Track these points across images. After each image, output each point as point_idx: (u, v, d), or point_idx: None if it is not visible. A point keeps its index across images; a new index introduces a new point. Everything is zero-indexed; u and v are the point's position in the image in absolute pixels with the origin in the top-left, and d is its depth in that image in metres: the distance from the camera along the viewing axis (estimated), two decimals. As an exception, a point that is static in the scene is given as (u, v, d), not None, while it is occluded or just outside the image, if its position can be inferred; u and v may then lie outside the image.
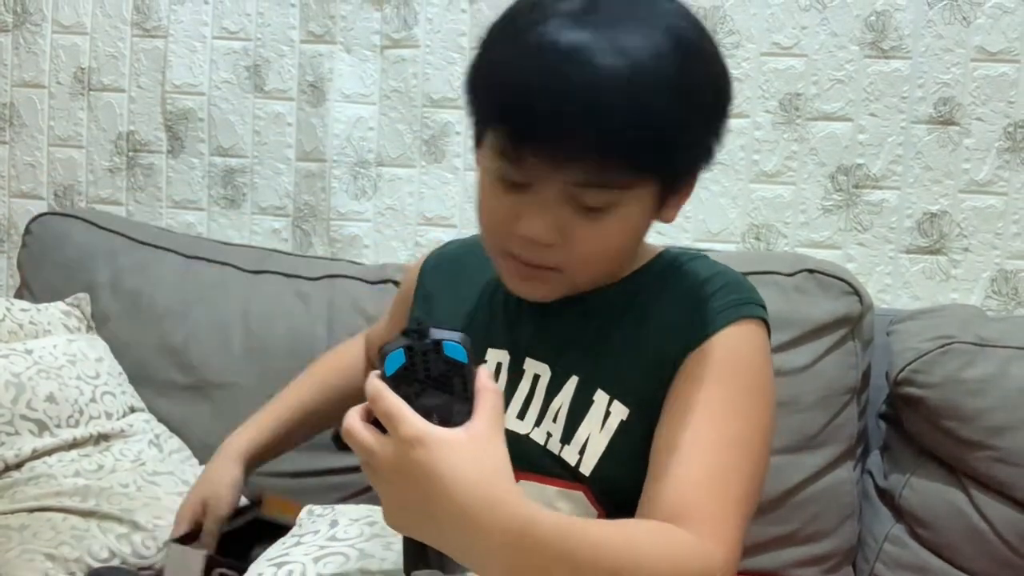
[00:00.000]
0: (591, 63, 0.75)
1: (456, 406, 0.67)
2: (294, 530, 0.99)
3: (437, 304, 1.05)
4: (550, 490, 0.90)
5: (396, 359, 0.67)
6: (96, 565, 1.24)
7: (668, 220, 0.89)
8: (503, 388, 0.92)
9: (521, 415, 0.92)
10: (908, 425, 1.44)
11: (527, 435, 0.92)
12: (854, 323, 1.47)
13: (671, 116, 0.78)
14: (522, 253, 0.85)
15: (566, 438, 0.90)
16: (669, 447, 0.83)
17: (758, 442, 0.85)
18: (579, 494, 0.90)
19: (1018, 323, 1.48)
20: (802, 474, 1.42)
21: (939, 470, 1.40)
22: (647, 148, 0.78)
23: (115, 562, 1.26)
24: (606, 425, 0.89)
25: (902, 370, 1.39)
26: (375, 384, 0.67)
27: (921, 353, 1.39)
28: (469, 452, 0.64)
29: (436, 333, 0.67)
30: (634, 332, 0.91)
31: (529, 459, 0.90)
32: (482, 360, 0.69)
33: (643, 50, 0.76)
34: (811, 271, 1.47)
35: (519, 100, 0.78)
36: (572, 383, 0.91)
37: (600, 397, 0.90)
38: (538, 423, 0.92)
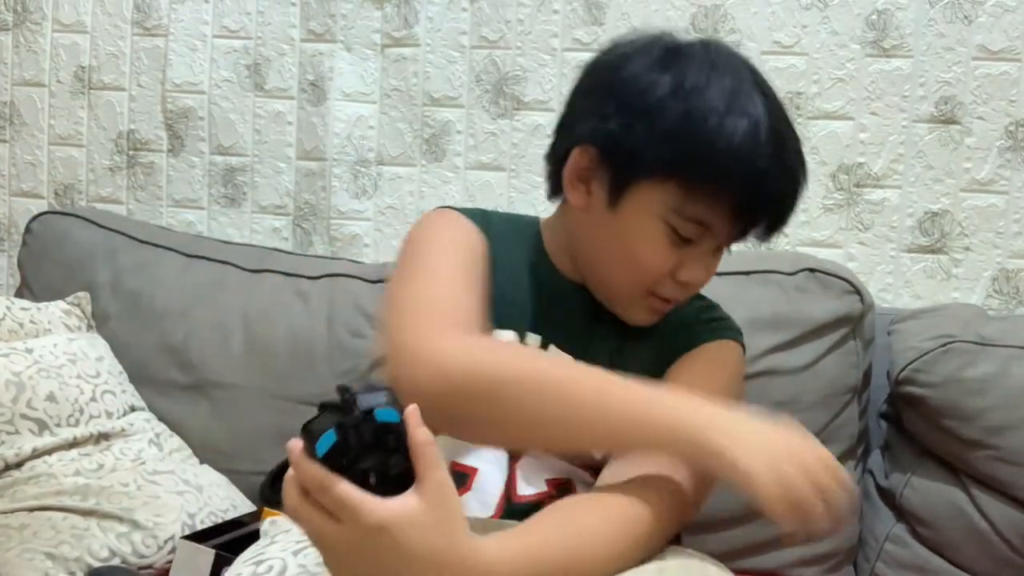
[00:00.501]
0: (797, 151, 0.94)
1: (391, 460, 0.67)
2: (262, 538, 0.99)
3: (494, 275, 1.03)
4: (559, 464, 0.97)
5: (328, 439, 0.66)
6: (96, 564, 1.24)
7: None
8: None
9: None
10: (909, 424, 1.44)
11: None
12: (855, 322, 1.47)
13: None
14: (673, 295, 0.98)
15: None
16: None
17: None
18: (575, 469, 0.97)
19: (1019, 322, 1.48)
20: (803, 473, 1.42)
21: (940, 469, 1.40)
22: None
23: (115, 561, 1.26)
24: None
25: (903, 369, 1.39)
26: (314, 471, 0.67)
27: (922, 352, 1.38)
28: (430, 519, 0.67)
29: (364, 401, 0.66)
30: (647, 339, 1.03)
31: None
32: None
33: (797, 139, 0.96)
34: (812, 270, 1.47)
35: (750, 181, 0.90)
36: None
37: None
38: None
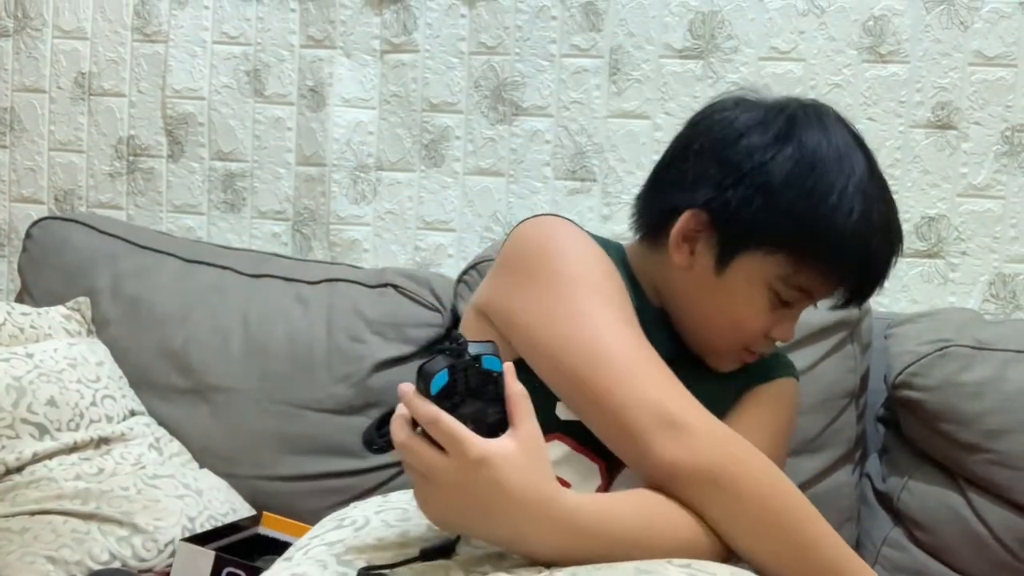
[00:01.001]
0: (899, 227, 0.99)
1: (489, 408, 0.75)
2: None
3: None
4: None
5: (440, 379, 0.73)
6: (96, 568, 1.24)
7: None
8: None
9: None
10: (906, 428, 1.44)
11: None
12: (853, 327, 1.47)
13: None
14: (764, 350, 1.02)
15: None
16: None
17: (775, 455, 0.99)
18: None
19: (1015, 326, 1.48)
20: (801, 477, 1.42)
21: (937, 473, 1.41)
22: None
23: (115, 564, 1.27)
24: None
25: (900, 373, 1.40)
26: (426, 407, 0.73)
27: (919, 356, 1.39)
28: (524, 460, 0.74)
29: (473, 348, 0.75)
30: (725, 381, 1.06)
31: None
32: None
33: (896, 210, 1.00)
34: (809, 275, 1.48)
35: (863, 261, 0.96)
36: None
37: None
38: None
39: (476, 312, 1.00)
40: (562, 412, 0.94)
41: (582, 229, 0.99)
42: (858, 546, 1.47)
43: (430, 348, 0.76)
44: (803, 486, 1.43)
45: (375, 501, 0.94)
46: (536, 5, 1.77)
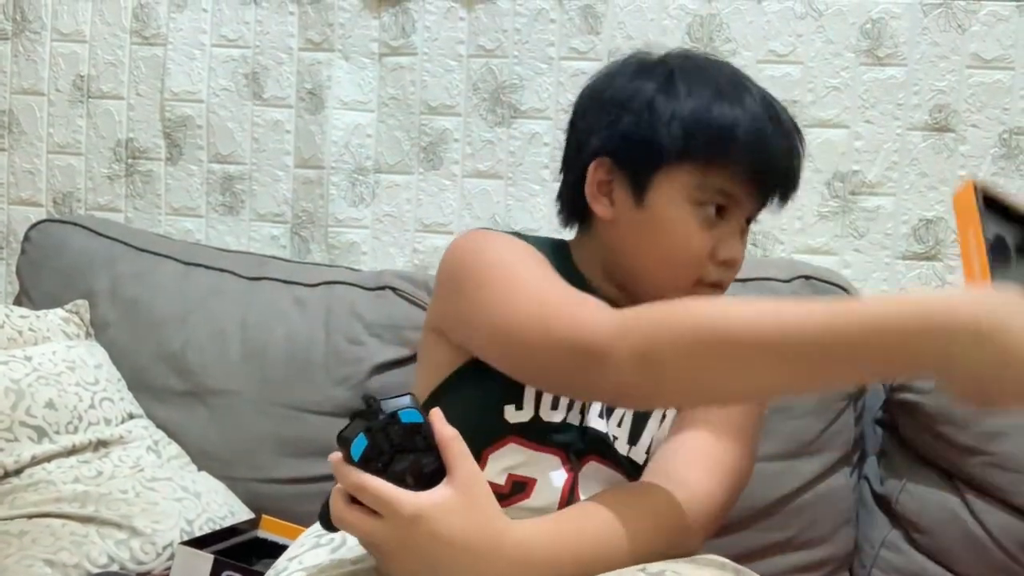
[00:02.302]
0: (789, 115, 0.99)
1: (423, 459, 0.74)
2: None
3: None
4: (617, 477, 0.98)
5: (360, 444, 0.73)
6: (95, 571, 1.24)
7: None
8: None
9: (601, 415, 0.99)
10: (904, 431, 1.44)
11: (607, 434, 0.99)
12: (850, 329, 1.47)
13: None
14: (719, 277, 0.98)
15: (632, 440, 0.99)
16: (678, 431, 0.98)
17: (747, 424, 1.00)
18: None
19: (1013, 329, 1.48)
20: (799, 480, 1.43)
21: (935, 476, 1.41)
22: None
23: (114, 568, 1.27)
24: (663, 426, 1.00)
25: (898, 376, 1.40)
26: (352, 475, 0.73)
27: (917, 359, 1.39)
28: (461, 505, 0.73)
29: (388, 405, 0.73)
30: None
31: (612, 455, 0.98)
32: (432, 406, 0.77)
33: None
34: (807, 277, 1.48)
35: (757, 143, 0.95)
36: None
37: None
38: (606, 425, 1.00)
39: (431, 332, 1.02)
40: (511, 415, 0.94)
41: (514, 234, 1.02)
42: (857, 548, 1.47)
43: (352, 415, 0.75)
44: (801, 489, 1.43)
45: None
46: (535, 8, 1.77)
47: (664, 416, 1.01)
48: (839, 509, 1.45)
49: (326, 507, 0.78)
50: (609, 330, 0.79)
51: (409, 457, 0.73)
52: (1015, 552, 1.33)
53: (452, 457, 0.74)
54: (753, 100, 0.96)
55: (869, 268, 1.68)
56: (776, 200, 1.00)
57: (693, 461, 0.93)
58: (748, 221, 1.01)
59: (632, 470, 0.99)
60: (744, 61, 1.70)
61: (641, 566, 0.78)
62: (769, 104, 0.97)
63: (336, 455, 0.74)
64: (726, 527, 1.37)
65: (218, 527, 1.39)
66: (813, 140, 1.68)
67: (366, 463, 0.72)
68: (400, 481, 0.72)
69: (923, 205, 1.66)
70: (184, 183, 1.92)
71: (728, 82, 0.97)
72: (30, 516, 1.29)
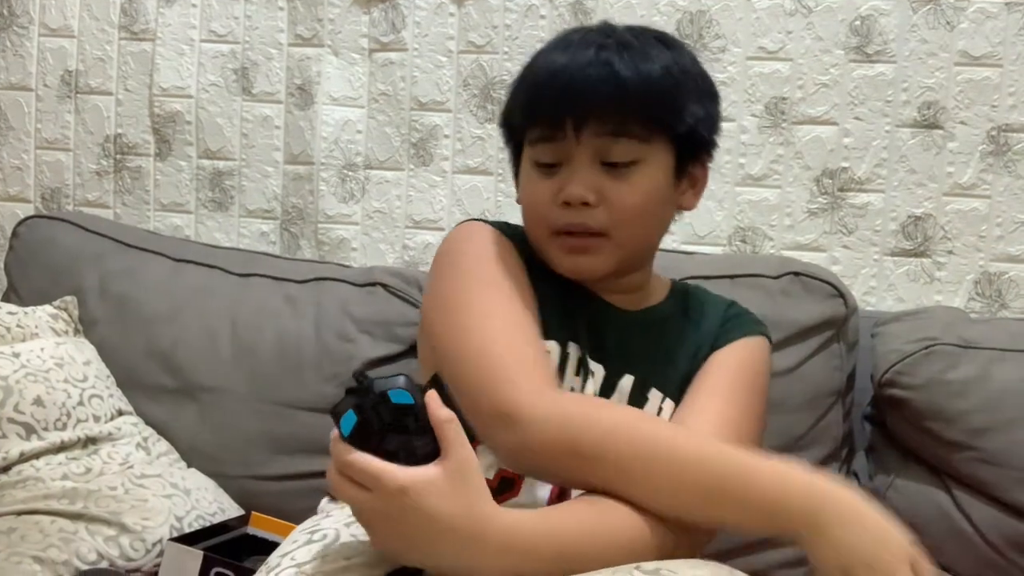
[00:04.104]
0: (624, 47, 0.97)
1: (416, 441, 0.74)
2: (318, 514, 1.05)
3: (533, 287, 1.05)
4: None
5: (349, 419, 0.73)
6: (84, 568, 1.24)
7: (688, 207, 1.06)
8: (570, 380, 1.00)
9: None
10: (892, 427, 1.45)
11: None
12: (839, 325, 1.48)
13: (669, 81, 0.96)
14: (571, 220, 0.97)
15: None
16: (678, 421, 0.98)
17: (747, 427, 0.99)
18: None
19: (1001, 325, 1.49)
20: (788, 475, 1.43)
21: (923, 471, 1.41)
22: (654, 103, 0.96)
23: (103, 564, 1.26)
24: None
25: (886, 372, 1.40)
26: (341, 451, 0.75)
27: (905, 355, 1.40)
28: (449, 486, 0.74)
29: (379, 384, 0.73)
30: (672, 342, 1.05)
31: None
32: (430, 387, 0.77)
33: (647, 46, 0.98)
34: (797, 274, 1.48)
35: (552, 77, 0.96)
36: (628, 381, 1.01)
37: (654, 395, 1.02)
38: None
39: (422, 325, 1.06)
40: None
41: (497, 227, 1.04)
42: (845, 544, 1.47)
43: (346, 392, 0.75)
44: (790, 484, 1.43)
45: (345, 513, 0.94)
46: (524, 4, 1.77)
47: (660, 411, 1.01)
48: (828, 504, 1.45)
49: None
50: (535, 413, 0.84)
51: (400, 437, 0.73)
52: (1002, 546, 1.34)
53: (445, 440, 0.75)
54: (586, 51, 0.96)
55: (858, 264, 1.69)
56: (610, 132, 0.96)
57: None
58: (616, 165, 0.97)
59: None
60: (733, 57, 1.70)
61: (636, 564, 0.79)
62: (588, 40, 0.98)
63: (334, 431, 0.75)
64: (715, 523, 1.38)
65: (208, 524, 1.39)
66: (802, 137, 1.69)
67: (358, 440, 0.73)
68: (392, 459, 0.73)
69: (912, 202, 1.67)
70: (173, 179, 1.92)
71: (568, 40, 1.00)
72: (19, 513, 1.29)
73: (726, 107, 1.70)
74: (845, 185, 1.68)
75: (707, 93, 1.03)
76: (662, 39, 1.01)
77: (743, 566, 1.42)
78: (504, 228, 1.06)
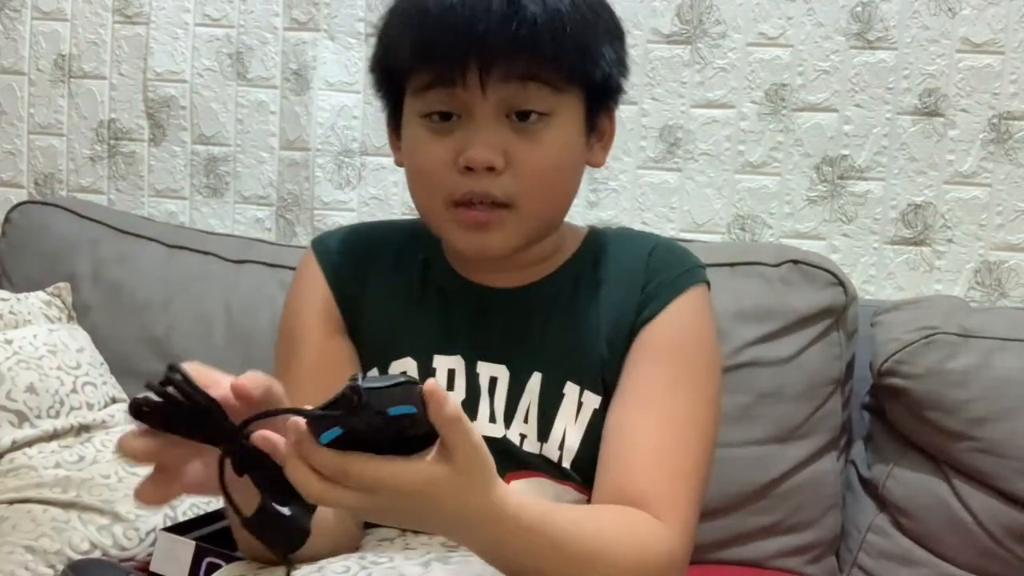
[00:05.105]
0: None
1: (410, 436, 0.64)
2: None
3: (363, 309, 0.96)
4: (546, 483, 0.91)
5: (332, 434, 0.61)
6: (77, 557, 1.23)
7: (597, 164, 0.95)
8: (461, 396, 0.92)
9: (492, 419, 0.91)
10: (891, 416, 1.44)
11: (504, 437, 0.91)
12: (838, 314, 1.47)
13: (580, 19, 0.84)
14: (473, 188, 0.85)
15: (543, 436, 0.91)
16: (619, 428, 0.87)
17: (704, 413, 0.89)
18: (567, 488, 0.91)
19: (1001, 314, 1.49)
20: (786, 465, 1.42)
21: (922, 460, 1.41)
22: (569, 44, 0.83)
23: (96, 554, 1.26)
24: (580, 416, 0.91)
25: (886, 361, 1.40)
26: (327, 458, 0.61)
27: (904, 344, 1.39)
28: (462, 484, 0.65)
29: (377, 401, 0.60)
30: (584, 318, 0.92)
31: (517, 459, 0.90)
32: (427, 376, 0.71)
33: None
34: (796, 262, 1.47)
35: (456, 16, 0.81)
36: (536, 380, 0.91)
37: (570, 389, 0.91)
38: (507, 425, 0.92)
39: None
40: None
41: (335, 243, 0.98)
42: (843, 533, 1.47)
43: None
44: (788, 474, 1.43)
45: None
46: (522, -11, 1.75)
47: (580, 405, 0.91)
48: (826, 494, 1.45)
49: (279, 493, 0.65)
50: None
51: (394, 440, 0.63)
52: (1001, 536, 1.34)
53: (453, 438, 0.64)
54: None
55: (857, 253, 1.68)
56: (518, 76, 0.84)
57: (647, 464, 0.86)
58: (522, 117, 0.85)
59: (553, 470, 0.91)
60: (733, 43, 1.69)
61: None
62: None
63: (301, 427, 0.61)
64: (713, 511, 1.38)
65: (202, 512, 1.38)
66: (802, 124, 1.67)
67: (341, 446, 0.61)
68: (382, 453, 0.63)
69: (912, 190, 1.66)
70: (167, 165, 1.90)
71: None
72: (10, 502, 1.29)
73: (725, 93, 1.68)
74: (845, 173, 1.67)
75: (617, 32, 0.92)
76: None
77: (735, 555, 1.43)
78: (351, 237, 0.99)
